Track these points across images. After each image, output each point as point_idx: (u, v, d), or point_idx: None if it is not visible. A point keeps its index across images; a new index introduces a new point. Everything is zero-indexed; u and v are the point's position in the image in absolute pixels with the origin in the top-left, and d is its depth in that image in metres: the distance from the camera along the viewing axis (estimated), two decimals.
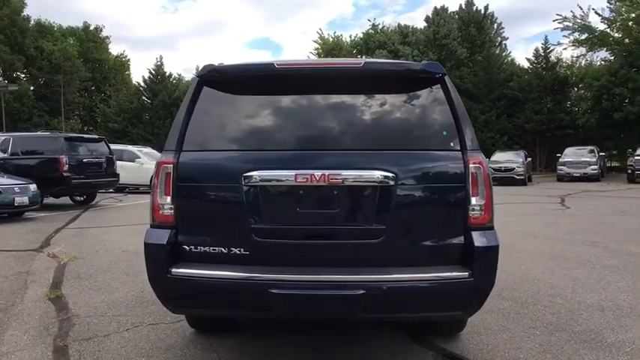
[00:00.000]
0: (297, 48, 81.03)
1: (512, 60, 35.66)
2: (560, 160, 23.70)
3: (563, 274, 5.23)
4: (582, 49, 30.85)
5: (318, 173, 2.41)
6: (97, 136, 14.06)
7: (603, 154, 26.93)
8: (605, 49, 30.35)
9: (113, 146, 14.43)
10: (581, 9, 31.85)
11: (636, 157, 22.46)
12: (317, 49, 42.19)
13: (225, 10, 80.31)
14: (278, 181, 2.49)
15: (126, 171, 14.95)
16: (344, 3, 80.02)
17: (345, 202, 2.50)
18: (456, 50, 33.84)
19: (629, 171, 21.99)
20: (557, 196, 15.02)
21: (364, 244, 2.47)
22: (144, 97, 39.04)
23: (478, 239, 2.43)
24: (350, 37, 42.37)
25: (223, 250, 2.52)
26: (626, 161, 25.18)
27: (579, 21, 29.37)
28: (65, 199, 13.29)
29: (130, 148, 18.52)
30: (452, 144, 2.53)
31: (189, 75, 52.52)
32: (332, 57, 39.51)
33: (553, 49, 32.65)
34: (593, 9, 29.32)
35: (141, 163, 17.05)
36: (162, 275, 2.50)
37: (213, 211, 2.60)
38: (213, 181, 2.57)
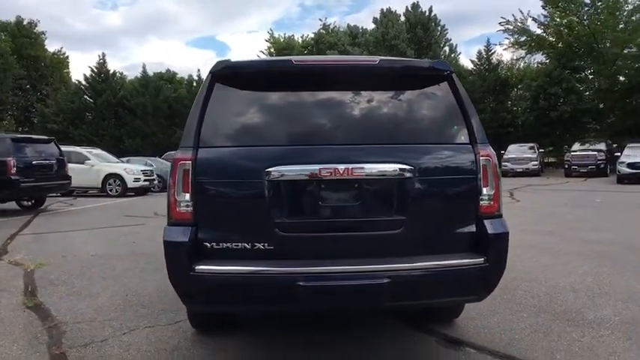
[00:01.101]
0: (245, 48, 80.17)
1: (457, 61, 37.04)
2: (504, 156, 24.92)
3: (533, 261, 5.57)
4: (522, 52, 32.57)
5: (341, 167, 2.47)
6: (46, 137, 13.30)
7: (542, 150, 28.64)
8: (541, 52, 32.21)
9: None
10: (522, 13, 33.60)
11: (572, 153, 24.08)
12: (269, 48, 41.97)
13: (167, 8, 77.99)
14: (302, 175, 2.52)
15: (74, 173, 14.26)
16: (289, 3, 79.92)
17: (367, 195, 2.58)
18: (405, 51, 34.74)
19: (566, 166, 23.55)
20: (506, 190, 15.79)
21: (385, 235, 2.55)
22: (86, 97, 37.36)
23: (490, 227, 2.58)
24: (301, 37, 42.40)
25: (246, 245, 2.52)
26: (562, 157, 26.92)
27: (519, 24, 31.00)
28: (10, 204, 12.52)
29: (77, 149, 17.67)
30: (462, 137, 2.67)
31: (132, 73, 50.91)
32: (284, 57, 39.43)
33: (495, 52, 34.27)
34: (530, 15, 31.01)
35: (91, 165, 16.36)
36: (185, 273, 2.47)
37: (235, 207, 2.59)
38: (233, 177, 2.57)
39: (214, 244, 2.52)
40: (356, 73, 2.78)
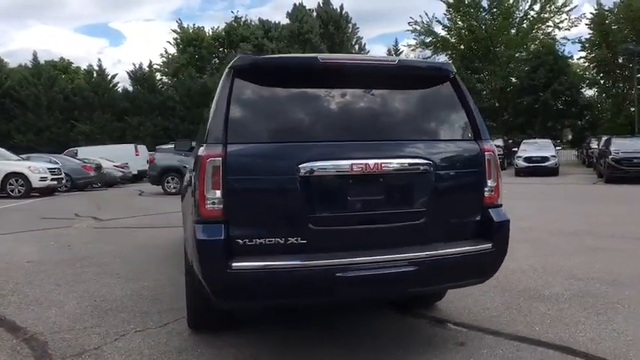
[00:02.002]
0: (142, 37, 76.05)
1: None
2: None
3: None
4: (428, 52, 34.65)
5: (371, 162, 2.60)
6: None
7: None
8: (445, 53, 34.54)
9: None
10: (427, 15, 35.77)
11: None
12: (175, 39, 40.37)
13: None
14: (335, 171, 2.62)
15: None
16: None
17: (392, 189, 2.74)
18: (318, 46, 35.34)
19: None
20: None
21: (409, 226, 2.74)
22: None
23: (495, 215, 2.87)
24: (211, 29, 41.23)
25: (280, 240, 2.56)
26: None
27: (426, 26, 33.00)
28: None
29: None
30: (469, 134, 2.93)
31: (13, 60, 46.14)
32: (193, 48, 38.23)
33: (402, 51, 36.04)
34: (435, 17, 33.17)
35: None
36: (222, 271, 2.45)
37: (267, 203, 2.61)
38: (265, 173, 2.59)
39: (247, 240, 2.53)
40: (377, 72, 2.93)
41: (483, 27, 32.14)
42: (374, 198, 2.70)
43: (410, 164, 2.73)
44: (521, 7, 31.59)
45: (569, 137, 34.65)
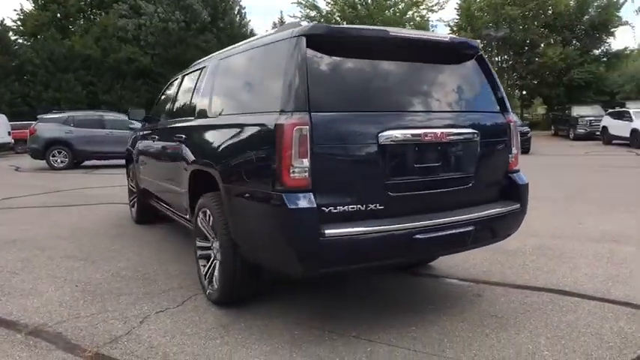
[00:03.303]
0: None
1: (252, 31, 37.64)
2: None
3: None
4: None
5: (439, 131, 2.76)
6: None
7: None
8: None
9: None
10: None
11: None
12: None
13: None
14: (410, 139, 2.73)
15: None
16: None
17: (452, 156, 2.94)
18: (201, 13, 33.67)
19: None
20: None
21: (463, 190, 2.98)
22: None
23: (520, 179, 3.24)
24: None
25: (361, 207, 2.61)
26: None
27: (310, 0, 33.23)
28: None
29: None
30: (498, 107, 3.22)
31: None
32: (56, 5, 33.91)
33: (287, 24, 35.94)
34: None
35: None
36: (315, 239, 2.44)
37: (349, 170, 2.64)
38: (349, 141, 2.60)
39: (331, 208, 2.54)
40: (434, 47, 3.06)
41: (364, 5, 33.47)
42: (438, 165, 2.88)
43: (465, 133, 2.96)
44: None
45: None
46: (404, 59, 2.94)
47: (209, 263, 3.48)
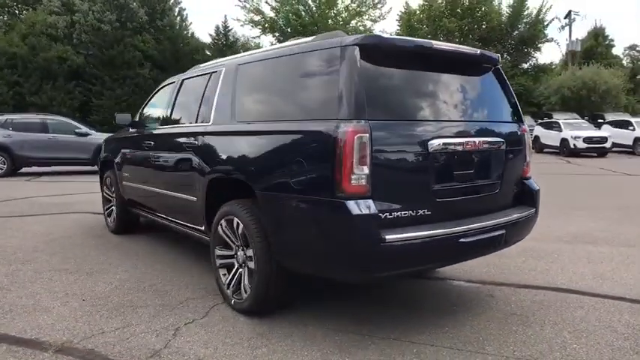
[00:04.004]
0: None
1: (193, 33, 36.86)
2: None
3: None
4: (257, 31, 34.89)
5: (477, 140, 2.94)
6: None
7: None
8: (272, 34, 35.27)
9: None
10: None
11: None
12: None
13: None
14: (455, 147, 2.89)
15: None
16: None
17: (485, 163, 3.13)
18: (137, 12, 32.51)
19: None
20: None
21: (493, 195, 3.19)
22: None
23: (533, 186, 3.49)
24: None
25: (411, 212, 2.72)
26: None
27: (255, 4, 33.11)
28: None
29: None
30: (515, 117, 3.46)
31: None
32: None
33: (232, 29, 35.63)
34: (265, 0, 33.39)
35: None
36: (377, 244, 2.52)
37: (402, 177, 2.75)
38: (402, 148, 2.72)
39: (387, 214, 2.63)
40: (467, 60, 3.24)
41: (310, 12, 33.79)
42: (473, 172, 3.05)
43: (496, 142, 3.17)
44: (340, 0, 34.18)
45: None
46: (442, 70, 3.10)
47: (233, 272, 3.44)
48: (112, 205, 5.93)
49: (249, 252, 3.20)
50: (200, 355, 2.75)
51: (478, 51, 3.27)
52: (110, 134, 16.52)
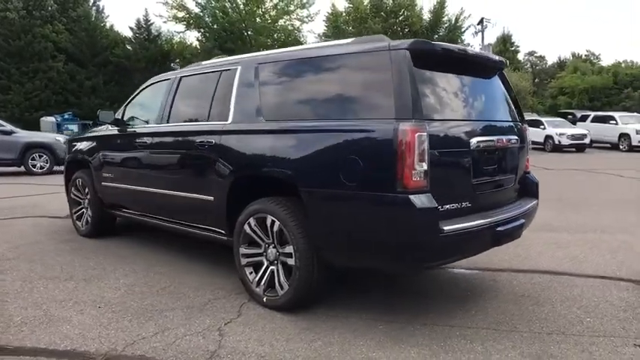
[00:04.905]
0: None
1: (112, 26, 34.84)
2: None
3: None
4: (181, 26, 33.77)
5: (504, 138, 3.22)
6: None
7: None
8: (197, 30, 34.31)
9: None
10: None
11: None
12: None
13: None
14: (488, 144, 3.15)
15: None
16: None
17: (507, 159, 3.42)
18: (46, 0, 30.21)
19: None
20: None
21: (510, 188, 3.50)
22: None
23: (533, 178, 3.85)
24: None
25: (457, 205, 2.93)
26: None
27: (179, 0, 31.97)
28: None
29: None
30: (518, 117, 3.79)
31: None
32: None
33: (154, 23, 34.16)
34: None
35: None
36: (437, 235, 2.70)
37: (450, 172, 2.95)
38: (450, 146, 2.93)
39: (440, 206, 2.80)
40: (491, 64, 3.52)
41: (237, 10, 33.21)
42: (497, 167, 3.33)
43: (514, 140, 3.48)
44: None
45: None
46: (472, 74, 3.34)
47: (262, 270, 3.44)
48: (82, 208, 5.58)
49: (288, 249, 3.22)
50: (261, 353, 2.76)
51: (499, 58, 3.56)
52: (34, 132, 15.37)
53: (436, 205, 2.72)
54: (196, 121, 4.12)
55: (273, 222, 3.30)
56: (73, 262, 4.53)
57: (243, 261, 3.55)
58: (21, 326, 3.10)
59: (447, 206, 2.87)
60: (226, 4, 33.33)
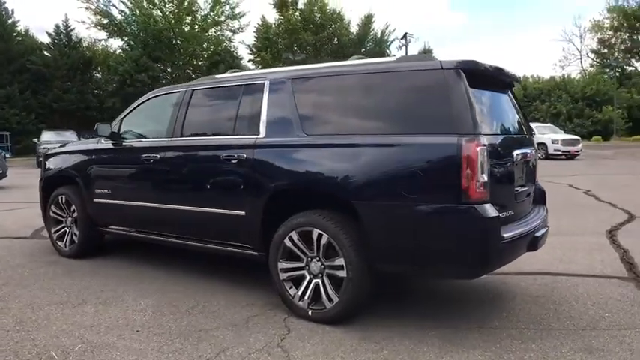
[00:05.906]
0: None
1: (28, 31, 32.41)
2: None
3: None
4: (104, 34, 32.20)
5: (532, 150, 3.55)
6: None
7: None
8: (121, 38, 32.89)
9: None
10: None
11: None
12: None
13: None
14: (524, 156, 3.45)
15: None
16: None
17: (530, 169, 3.72)
18: None
19: None
20: None
21: (531, 196, 3.79)
22: None
23: (542, 187, 4.19)
24: None
25: (506, 213, 3.15)
26: None
27: (102, 7, 30.57)
28: None
29: None
30: (530, 131, 4.13)
31: None
32: None
33: (75, 28, 32.29)
34: (112, 4, 31.03)
35: None
36: (499, 242, 2.91)
37: (502, 183, 3.16)
38: (502, 158, 3.16)
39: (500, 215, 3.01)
40: (510, 81, 3.78)
41: (167, 19, 32.22)
42: (526, 176, 3.63)
43: (534, 151, 3.78)
44: (196, 8, 33.36)
45: None
46: (501, 90, 3.66)
47: (305, 283, 3.44)
48: (65, 227, 5.20)
49: (338, 261, 3.26)
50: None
51: (517, 74, 3.87)
52: None
53: (497, 214, 2.91)
54: (218, 135, 4.03)
55: (320, 235, 3.32)
56: (75, 286, 4.21)
57: (283, 275, 3.53)
58: (66, 355, 2.87)
59: (501, 215, 3.08)
60: (154, 12, 32.32)
